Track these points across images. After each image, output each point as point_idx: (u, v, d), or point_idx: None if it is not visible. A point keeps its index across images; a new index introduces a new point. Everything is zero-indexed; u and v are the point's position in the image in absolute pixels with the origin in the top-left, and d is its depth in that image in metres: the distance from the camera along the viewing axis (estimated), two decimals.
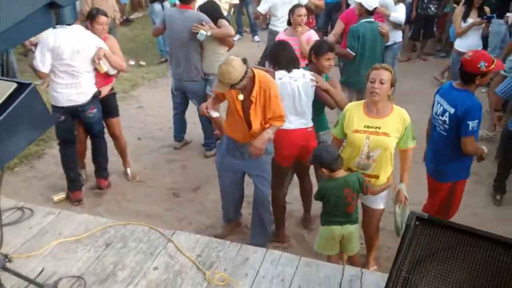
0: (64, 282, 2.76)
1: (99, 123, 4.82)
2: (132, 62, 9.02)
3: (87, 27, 4.61)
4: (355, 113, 3.43)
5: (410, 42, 9.74)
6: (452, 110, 3.50)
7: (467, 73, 3.50)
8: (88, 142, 5.10)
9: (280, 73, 3.90)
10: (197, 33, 5.12)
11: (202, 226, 4.52)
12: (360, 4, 5.59)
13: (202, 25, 5.15)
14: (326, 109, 4.27)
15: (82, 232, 3.20)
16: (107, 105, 4.87)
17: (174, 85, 5.68)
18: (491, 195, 4.98)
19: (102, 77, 4.72)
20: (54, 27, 4.21)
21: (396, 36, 6.83)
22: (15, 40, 1.62)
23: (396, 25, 6.72)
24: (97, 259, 2.98)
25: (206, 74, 5.48)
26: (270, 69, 4.03)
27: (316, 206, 4.18)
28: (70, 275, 2.83)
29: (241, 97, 3.57)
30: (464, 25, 6.42)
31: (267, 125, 3.65)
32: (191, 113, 6.03)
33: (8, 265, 2.50)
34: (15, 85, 1.67)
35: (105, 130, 5.03)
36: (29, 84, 1.69)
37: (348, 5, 8.19)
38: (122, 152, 5.32)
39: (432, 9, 9.05)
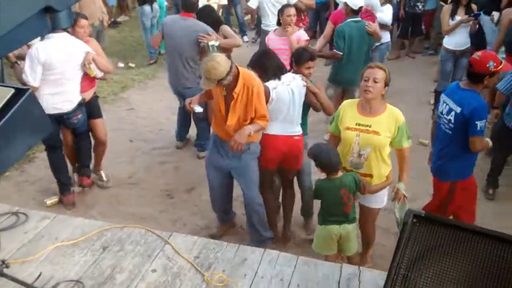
0: (62, 287, 2.75)
1: (84, 125, 4.84)
2: (121, 65, 8.98)
3: (68, 32, 4.58)
4: (348, 111, 3.46)
5: (398, 40, 9.80)
6: (458, 110, 3.53)
7: (476, 73, 3.51)
8: None
9: (272, 83, 3.83)
10: (201, 43, 5.08)
11: (197, 227, 4.52)
12: (346, 4, 5.62)
13: (208, 35, 5.11)
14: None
15: (78, 235, 3.19)
16: (90, 108, 4.89)
17: (172, 91, 5.65)
18: (483, 190, 5.03)
19: (87, 82, 4.74)
20: (42, 39, 4.20)
21: (384, 37, 6.87)
22: (10, 46, 1.60)
23: (382, 26, 6.75)
24: (95, 262, 2.97)
25: None
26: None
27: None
28: (68, 279, 2.81)
29: (224, 93, 3.60)
30: (452, 22, 6.47)
31: (246, 123, 3.64)
32: None
33: (5, 270, 2.48)
34: (12, 90, 1.66)
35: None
36: (27, 90, 1.68)
37: (336, 5, 8.23)
38: (99, 154, 5.20)
39: (420, 7, 9.11)
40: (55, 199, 4.82)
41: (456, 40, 6.50)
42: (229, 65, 3.39)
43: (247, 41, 10.58)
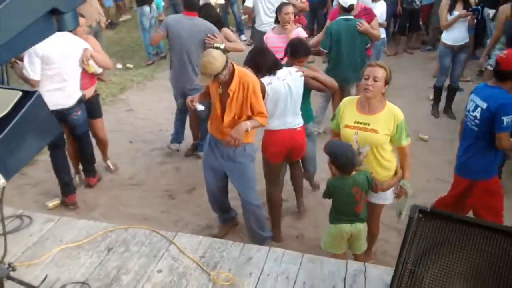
0: None
1: (84, 125, 4.85)
2: (119, 66, 8.96)
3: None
4: (348, 109, 3.46)
5: (397, 36, 9.82)
6: (484, 105, 3.53)
7: (503, 72, 3.52)
8: None
9: (266, 79, 3.86)
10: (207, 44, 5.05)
11: (199, 228, 4.52)
12: (338, 1, 5.63)
13: (214, 36, 5.10)
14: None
15: (83, 237, 3.18)
16: (90, 107, 4.93)
17: (174, 92, 5.62)
18: None
19: (88, 79, 4.79)
20: None
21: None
22: (18, 49, 1.60)
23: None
24: (100, 264, 2.96)
25: None
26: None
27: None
28: (74, 281, 2.81)
29: (220, 90, 3.60)
30: (450, 17, 6.48)
31: (241, 120, 3.63)
32: None
33: (12, 274, 2.48)
34: (20, 93, 1.66)
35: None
36: (34, 92, 1.68)
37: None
38: (103, 148, 5.44)
39: (417, 2, 9.14)
40: (56, 201, 4.82)
41: (455, 35, 6.51)
42: (225, 60, 3.39)
43: (244, 40, 10.59)
